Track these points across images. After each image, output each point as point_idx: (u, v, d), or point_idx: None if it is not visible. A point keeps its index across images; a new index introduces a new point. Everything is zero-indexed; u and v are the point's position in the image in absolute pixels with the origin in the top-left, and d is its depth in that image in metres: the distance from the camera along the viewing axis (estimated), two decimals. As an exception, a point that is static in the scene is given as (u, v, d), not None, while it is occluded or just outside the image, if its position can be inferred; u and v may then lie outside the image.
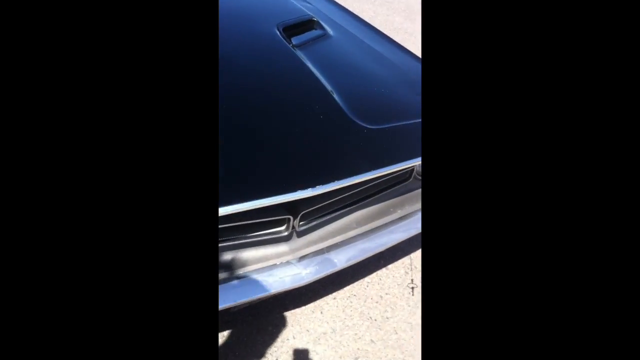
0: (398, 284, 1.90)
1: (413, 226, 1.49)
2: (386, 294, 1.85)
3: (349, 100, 1.42)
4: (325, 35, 1.76)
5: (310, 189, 1.12)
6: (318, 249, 1.30)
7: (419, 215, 1.55)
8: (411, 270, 1.98)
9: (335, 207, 1.35)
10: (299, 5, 1.90)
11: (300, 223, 1.27)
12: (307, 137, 1.25)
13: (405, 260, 2.02)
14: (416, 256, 2.03)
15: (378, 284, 1.89)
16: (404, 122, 1.44)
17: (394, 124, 1.41)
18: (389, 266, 1.98)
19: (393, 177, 1.44)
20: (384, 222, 1.46)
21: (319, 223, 1.32)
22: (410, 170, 1.52)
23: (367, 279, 1.91)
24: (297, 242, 1.29)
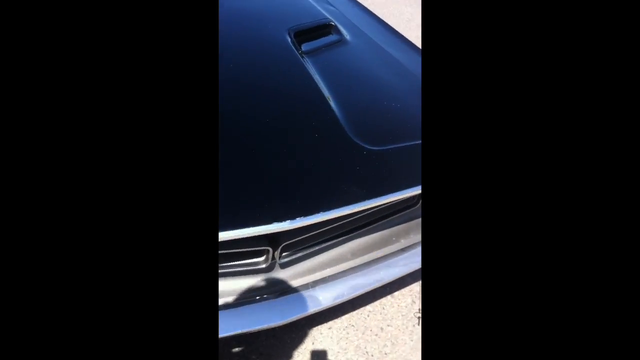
0: (402, 315, 1.72)
1: (415, 259, 1.31)
2: (388, 325, 1.68)
3: (352, 116, 1.25)
4: (340, 41, 1.60)
5: (288, 222, 0.98)
6: (303, 283, 1.16)
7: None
8: (419, 299, 1.79)
9: (326, 237, 1.20)
10: (318, 8, 1.75)
11: (283, 254, 1.14)
12: (295, 159, 1.10)
13: (413, 287, 1.84)
14: (427, 284, 1.85)
15: (380, 313, 1.72)
16: (412, 143, 1.25)
17: (400, 145, 1.23)
18: (395, 293, 1.81)
19: (395, 203, 1.27)
20: (384, 254, 1.30)
21: (307, 254, 1.18)
22: (418, 196, 1.34)
23: (368, 307, 1.74)
24: (279, 274, 1.15)
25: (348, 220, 1.18)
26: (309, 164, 1.10)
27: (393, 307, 1.75)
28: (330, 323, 1.62)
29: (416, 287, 1.83)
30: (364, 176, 1.13)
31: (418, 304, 1.76)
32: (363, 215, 1.22)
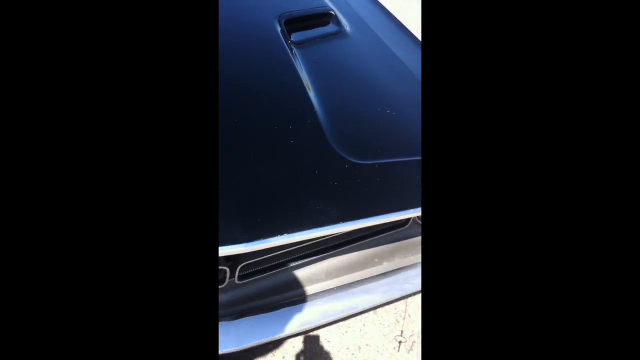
0: (383, 335, 1.59)
1: (397, 287, 1.17)
2: (366, 344, 1.54)
3: (338, 123, 1.09)
4: (338, 33, 1.43)
5: (243, 244, 0.84)
6: (265, 305, 1.03)
7: (409, 273, 1.22)
8: (404, 319, 1.66)
9: (295, 256, 1.06)
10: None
11: (240, 274, 1.00)
12: (263, 171, 0.95)
13: (398, 305, 1.70)
14: (414, 302, 1.71)
15: (360, 330, 1.58)
16: (405, 159, 1.09)
17: (389, 160, 1.07)
18: (378, 310, 1.67)
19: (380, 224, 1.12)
20: (362, 277, 1.15)
21: (271, 274, 1.04)
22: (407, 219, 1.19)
23: (349, 321, 1.61)
24: (237, 293, 1.02)
25: (322, 239, 1.04)
26: (278, 177, 0.94)
27: (375, 324, 1.61)
28: (304, 335, 1.49)
29: (401, 306, 1.69)
30: (342, 194, 0.98)
31: (402, 325, 1.63)
32: (339, 235, 1.07)
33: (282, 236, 0.87)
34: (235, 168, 0.93)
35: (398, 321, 1.63)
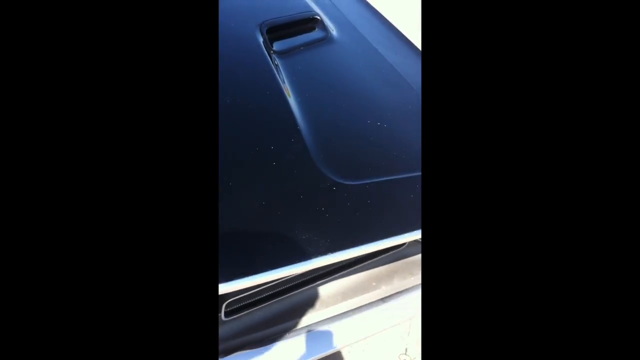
0: (384, 353, 1.50)
1: (398, 312, 1.07)
2: (369, 366, 1.46)
3: (324, 139, 0.99)
4: (325, 39, 1.33)
5: (223, 284, 0.75)
6: (253, 340, 0.94)
7: (411, 295, 1.12)
8: (408, 335, 1.56)
9: (286, 287, 0.97)
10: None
11: (227, 310, 0.91)
12: (241, 197, 0.86)
13: (403, 322, 1.61)
14: (419, 319, 1.62)
15: (363, 351, 1.49)
16: (401, 175, 0.99)
17: (383, 178, 0.98)
18: (381, 328, 1.58)
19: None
20: (360, 304, 1.06)
21: (262, 307, 0.95)
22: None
23: (350, 342, 1.52)
24: (225, 329, 0.93)
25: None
26: (257, 205, 0.85)
27: (378, 342, 1.52)
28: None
29: (405, 322, 1.60)
30: (331, 220, 0.89)
31: (406, 342, 1.54)
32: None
33: (264, 273, 0.78)
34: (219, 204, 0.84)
35: (402, 338, 1.54)
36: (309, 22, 1.37)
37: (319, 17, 1.38)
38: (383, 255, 1.10)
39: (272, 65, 1.14)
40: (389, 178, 0.98)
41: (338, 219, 0.89)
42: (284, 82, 1.11)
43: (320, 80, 1.18)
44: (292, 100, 1.06)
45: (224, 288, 0.76)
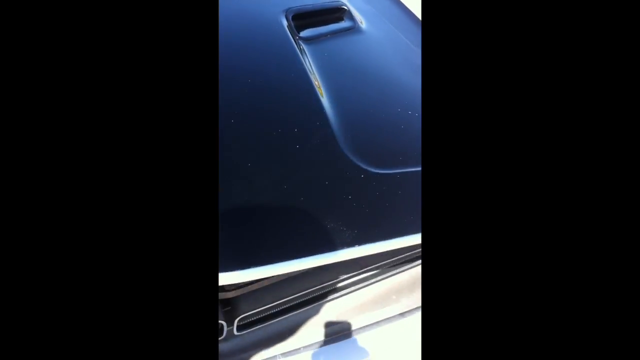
0: (406, 369, 1.38)
1: (419, 328, 0.97)
2: (387, 381, 1.34)
3: (352, 126, 0.90)
4: (352, 28, 1.26)
5: (238, 271, 0.66)
6: (266, 354, 0.83)
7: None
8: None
9: (301, 300, 0.86)
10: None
11: (240, 324, 0.81)
12: (265, 183, 0.77)
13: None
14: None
15: (379, 364, 1.38)
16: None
17: (415, 168, 0.89)
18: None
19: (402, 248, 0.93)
20: (379, 319, 0.95)
21: (275, 322, 0.85)
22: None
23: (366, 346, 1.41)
24: (237, 343, 0.83)
25: (327, 283, 0.85)
26: (280, 190, 0.77)
27: (394, 358, 1.41)
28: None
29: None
30: (359, 210, 0.80)
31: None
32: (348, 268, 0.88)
33: (284, 263, 0.69)
34: (231, 181, 0.76)
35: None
36: (336, 12, 1.30)
37: (346, 7, 1.32)
38: (408, 266, 1.00)
39: (298, 50, 1.07)
40: (420, 169, 0.89)
41: (366, 209, 0.80)
42: (310, 67, 1.04)
43: (347, 67, 1.10)
44: (317, 85, 0.99)
45: (243, 275, 0.67)
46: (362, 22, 1.30)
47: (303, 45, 1.12)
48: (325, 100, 0.96)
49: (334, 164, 0.84)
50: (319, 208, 0.78)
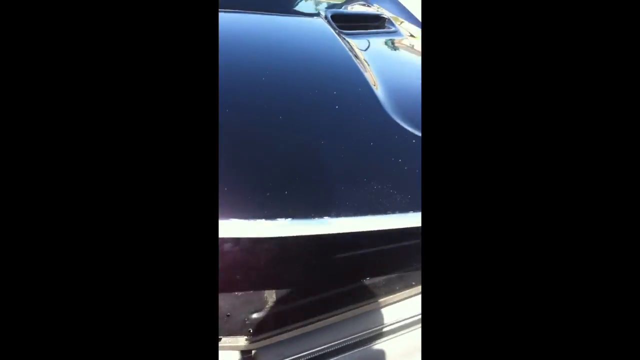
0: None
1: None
2: None
3: (396, 91, 0.81)
4: (394, 32, 1.21)
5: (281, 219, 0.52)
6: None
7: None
8: None
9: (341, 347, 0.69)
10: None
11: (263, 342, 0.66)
12: (303, 139, 0.67)
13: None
14: None
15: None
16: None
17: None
18: None
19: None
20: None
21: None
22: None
23: None
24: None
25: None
26: (315, 147, 0.66)
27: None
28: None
29: None
30: (409, 173, 0.67)
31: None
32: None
33: (335, 219, 0.55)
34: (269, 138, 0.67)
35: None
36: (376, 20, 1.27)
37: (384, 16, 1.29)
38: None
39: (334, 32, 1.01)
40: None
41: (419, 174, 0.67)
42: (352, 51, 0.97)
43: (390, 54, 1.03)
44: (357, 54, 0.91)
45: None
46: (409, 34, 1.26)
47: (343, 36, 1.07)
48: (364, 70, 0.87)
49: (380, 128, 0.72)
50: (364, 170, 0.65)
